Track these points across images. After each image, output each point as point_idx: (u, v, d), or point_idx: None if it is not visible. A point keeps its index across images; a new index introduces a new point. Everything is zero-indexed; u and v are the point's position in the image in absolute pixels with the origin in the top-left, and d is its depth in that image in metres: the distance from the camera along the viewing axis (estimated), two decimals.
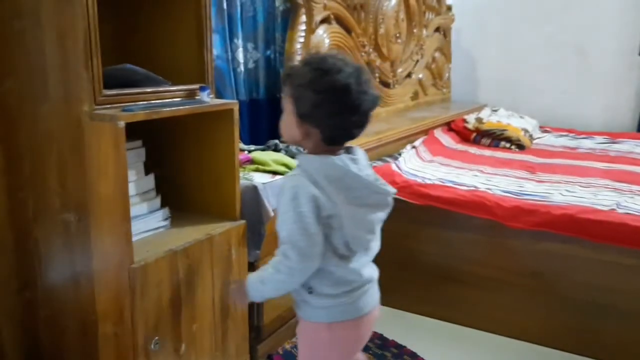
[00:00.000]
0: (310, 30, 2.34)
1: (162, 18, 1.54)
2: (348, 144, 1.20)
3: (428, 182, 2.31)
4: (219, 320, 1.56)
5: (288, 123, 1.16)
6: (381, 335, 2.08)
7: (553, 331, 2.01)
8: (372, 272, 1.25)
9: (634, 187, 2.30)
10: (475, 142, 3.27)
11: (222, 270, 1.54)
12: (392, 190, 1.18)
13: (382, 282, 2.43)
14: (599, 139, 3.37)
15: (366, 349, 1.99)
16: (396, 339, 2.05)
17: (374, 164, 2.38)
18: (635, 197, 2.16)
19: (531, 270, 2.03)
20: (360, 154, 1.19)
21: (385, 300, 2.28)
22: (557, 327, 2.00)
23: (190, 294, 1.45)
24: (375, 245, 1.24)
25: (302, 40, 2.30)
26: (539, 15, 3.81)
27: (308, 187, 1.10)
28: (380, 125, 2.80)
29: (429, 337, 2.10)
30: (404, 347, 2.01)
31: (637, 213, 1.96)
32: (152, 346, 1.35)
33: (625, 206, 2.03)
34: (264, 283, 1.18)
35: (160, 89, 1.41)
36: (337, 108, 1.10)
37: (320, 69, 1.10)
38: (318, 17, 2.37)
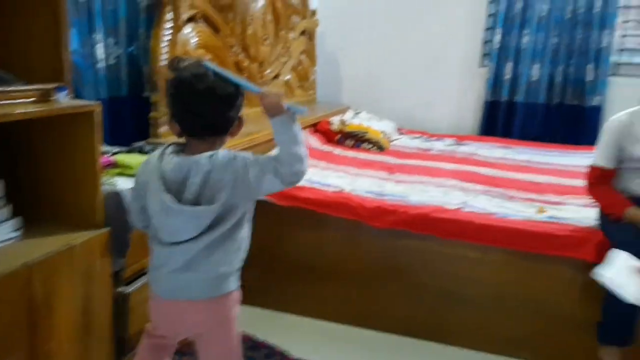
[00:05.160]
0: (177, 28, 2.27)
1: (14, 10, 1.40)
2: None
3: None
4: (80, 337, 1.47)
5: None
6: (251, 337, 2.10)
7: (411, 320, 2.18)
8: (181, 265, 1.30)
9: (478, 187, 2.57)
10: (340, 143, 3.41)
11: (83, 282, 1.45)
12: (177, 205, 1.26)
13: (250, 284, 2.45)
14: (448, 141, 3.69)
15: None
16: (267, 339, 2.08)
17: None
18: (479, 197, 2.41)
19: (391, 266, 2.19)
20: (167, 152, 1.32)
21: (254, 301, 2.34)
22: (415, 316, 2.18)
23: (48, 310, 1.34)
24: (199, 243, 1.29)
25: (168, 37, 2.22)
26: (397, 24, 4.08)
27: (139, 166, 1.39)
28: (250, 126, 2.78)
29: (299, 336, 2.16)
30: (275, 347, 2.04)
31: (480, 211, 2.19)
32: None
33: (470, 205, 2.26)
34: None
35: (11, 88, 1.28)
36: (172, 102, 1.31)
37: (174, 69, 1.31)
38: (185, 15, 2.31)
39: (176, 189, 1.27)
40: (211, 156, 1.27)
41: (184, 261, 1.29)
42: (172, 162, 1.28)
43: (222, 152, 1.29)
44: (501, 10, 3.74)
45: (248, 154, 1.32)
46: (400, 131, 3.89)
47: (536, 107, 3.79)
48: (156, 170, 1.27)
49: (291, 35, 3.59)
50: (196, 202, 1.27)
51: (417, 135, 3.85)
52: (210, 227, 1.27)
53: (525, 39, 3.73)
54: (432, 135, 3.84)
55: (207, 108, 1.27)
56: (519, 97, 3.80)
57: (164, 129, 2.18)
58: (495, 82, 3.85)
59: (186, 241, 1.28)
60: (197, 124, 1.29)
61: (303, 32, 3.85)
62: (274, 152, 1.32)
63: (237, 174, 1.27)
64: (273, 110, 1.29)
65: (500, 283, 2.08)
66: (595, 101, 3.66)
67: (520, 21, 3.72)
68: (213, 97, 1.26)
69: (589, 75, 3.64)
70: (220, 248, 1.30)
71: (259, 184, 1.29)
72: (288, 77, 3.63)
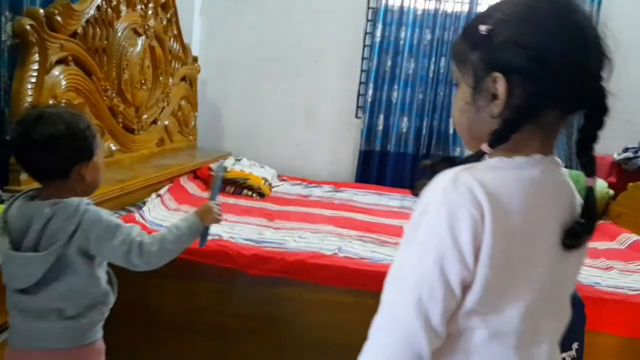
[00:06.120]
0: (44, 70, 2.16)
1: None
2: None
3: None
4: None
5: None
6: None
7: None
8: (31, 312, 1.28)
9: (353, 232, 2.68)
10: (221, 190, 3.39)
11: None
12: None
13: (111, 342, 2.32)
14: (326, 187, 3.83)
15: None
16: None
17: (118, 214, 2.28)
18: (354, 242, 2.51)
19: (267, 315, 2.18)
20: None
21: None
22: None
23: None
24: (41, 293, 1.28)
25: (33, 80, 2.11)
26: (275, 75, 4.22)
27: None
28: (124, 173, 2.70)
29: None
30: None
31: (354, 256, 2.28)
32: None
33: (345, 250, 2.34)
34: None
35: None
36: None
37: None
38: (54, 57, 2.21)
39: (18, 236, 1.26)
40: (56, 204, 1.28)
41: (32, 309, 1.28)
42: (17, 207, 1.29)
43: (70, 201, 1.29)
44: (373, 67, 4.03)
45: (113, 220, 1.34)
46: (281, 178, 3.96)
47: (406, 156, 4.08)
48: (3, 215, 1.29)
49: (171, 80, 3.56)
50: (35, 250, 1.26)
51: (298, 182, 3.95)
52: (54, 278, 1.27)
53: (395, 94, 4.03)
54: (311, 182, 3.96)
55: (28, 152, 1.29)
56: (391, 147, 4.07)
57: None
58: (369, 133, 4.10)
59: (33, 289, 1.26)
60: (29, 169, 1.33)
61: (184, 79, 3.84)
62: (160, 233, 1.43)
63: (81, 227, 1.28)
64: (205, 217, 1.53)
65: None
66: (456, 152, 4.03)
67: (390, 77, 4.03)
68: (29, 141, 1.28)
69: (450, 128, 4.01)
70: (70, 300, 1.29)
71: (99, 247, 1.30)
72: (167, 122, 3.58)
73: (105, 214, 1.34)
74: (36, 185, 1.38)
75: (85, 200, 1.32)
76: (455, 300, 0.73)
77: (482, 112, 0.78)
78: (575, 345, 1.89)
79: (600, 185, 3.32)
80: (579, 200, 0.81)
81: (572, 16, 0.74)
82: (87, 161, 1.34)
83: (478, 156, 0.77)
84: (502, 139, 0.75)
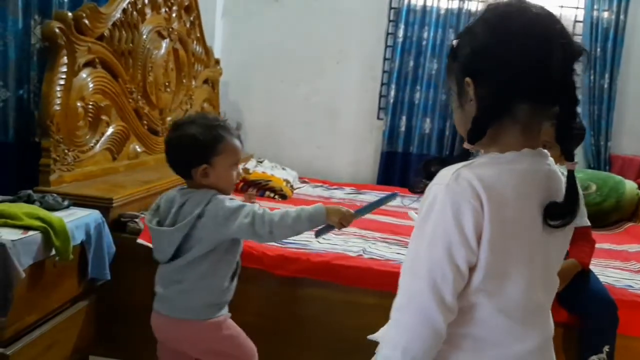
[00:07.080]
0: (72, 73, 2.20)
1: None
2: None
3: None
4: None
5: None
6: None
7: None
8: (162, 281, 1.60)
9: (377, 234, 2.66)
10: (243, 191, 3.41)
11: None
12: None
13: (137, 339, 2.30)
14: (348, 189, 3.81)
15: None
16: None
17: (142, 215, 2.30)
18: (378, 244, 2.49)
19: (292, 316, 2.17)
20: None
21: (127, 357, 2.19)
22: None
23: None
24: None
25: (62, 82, 2.14)
26: (297, 77, 4.22)
27: None
28: (149, 174, 2.73)
29: None
30: None
31: (379, 258, 2.27)
32: None
33: (370, 252, 2.33)
34: None
35: None
36: None
37: None
38: (82, 60, 2.24)
39: (163, 217, 1.57)
40: (190, 193, 1.56)
41: (163, 278, 1.59)
42: (168, 194, 1.61)
43: (201, 191, 1.54)
44: (395, 68, 4.01)
45: (235, 203, 1.55)
46: (302, 180, 3.96)
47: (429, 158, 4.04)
48: (158, 200, 1.65)
49: (194, 83, 3.59)
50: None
51: (319, 184, 3.94)
52: (179, 254, 1.54)
53: (417, 95, 4.01)
54: (332, 184, 3.95)
55: (166, 152, 1.61)
56: (414, 149, 4.05)
57: (54, 176, 2.07)
58: (391, 134, 4.08)
59: (167, 262, 1.56)
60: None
61: (206, 81, 3.87)
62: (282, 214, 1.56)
63: (207, 213, 1.50)
64: (332, 215, 1.56)
65: None
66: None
67: (412, 78, 4.01)
68: (165, 144, 1.61)
69: None
70: (185, 272, 1.55)
71: (227, 227, 1.51)
72: None
73: (228, 200, 1.55)
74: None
75: (213, 192, 1.55)
76: (464, 280, 0.84)
77: (467, 113, 0.90)
78: (606, 348, 1.85)
79: (630, 186, 3.26)
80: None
81: (521, 19, 0.85)
82: (202, 165, 1.53)
83: (464, 153, 0.89)
84: (476, 134, 0.87)
